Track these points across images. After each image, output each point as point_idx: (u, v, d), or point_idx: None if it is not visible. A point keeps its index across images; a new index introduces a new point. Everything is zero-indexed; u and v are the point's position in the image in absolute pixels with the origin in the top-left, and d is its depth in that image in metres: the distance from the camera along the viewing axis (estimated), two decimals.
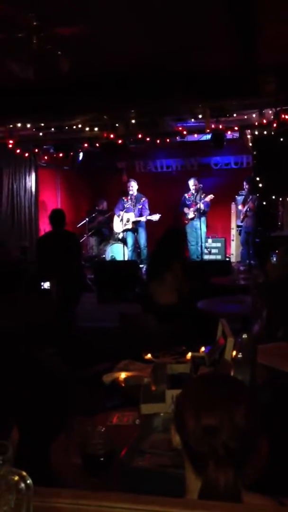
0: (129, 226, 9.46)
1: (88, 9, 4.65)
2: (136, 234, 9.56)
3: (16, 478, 0.78)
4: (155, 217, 9.34)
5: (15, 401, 2.12)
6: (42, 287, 4.78)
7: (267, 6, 4.64)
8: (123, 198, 9.54)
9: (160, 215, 9.36)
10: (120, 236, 9.65)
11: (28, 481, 0.78)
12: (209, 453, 1.14)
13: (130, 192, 9.50)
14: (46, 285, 4.84)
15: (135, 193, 9.55)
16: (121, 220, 9.52)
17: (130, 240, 9.56)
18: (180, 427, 1.23)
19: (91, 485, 1.61)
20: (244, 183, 9.39)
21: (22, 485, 0.78)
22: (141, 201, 9.47)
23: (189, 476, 1.24)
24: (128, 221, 9.45)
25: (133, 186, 9.55)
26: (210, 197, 9.30)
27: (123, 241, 9.54)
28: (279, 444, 1.92)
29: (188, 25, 5.12)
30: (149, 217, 9.36)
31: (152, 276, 4.76)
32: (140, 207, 9.43)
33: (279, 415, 2.34)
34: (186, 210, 9.52)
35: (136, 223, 9.44)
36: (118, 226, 9.67)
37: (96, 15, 4.76)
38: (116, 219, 9.72)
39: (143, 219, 9.37)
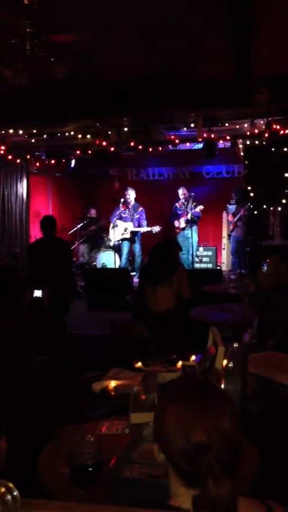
0: (127, 235, 9.41)
1: (82, 18, 4.67)
2: (132, 243, 9.53)
3: (3, 489, 0.76)
4: (156, 228, 9.24)
5: (3, 409, 2.09)
6: (34, 295, 4.75)
7: (261, 20, 4.69)
8: (120, 206, 9.50)
9: (161, 227, 9.28)
10: (112, 244, 9.62)
11: (15, 493, 0.76)
12: (207, 472, 1.12)
13: (128, 201, 9.48)
14: (38, 293, 4.81)
15: (133, 202, 9.52)
16: (114, 227, 9.48)
17: (125, 249, 9.53)
18: (166, 447, 1.19)
19: (79, 496, 1.58)
20: (233, 195, 9.44)
21: (9, 496, 0.76)
22: (138, 210, 9.45)
23: (174, 486, 1.21)
24: (125, 230, 9.41)
25: (131, 195, 9.52)
26: (200, 208, 9.32)
27: (117, 249, 9.50)
28: (268, 453, 1.91)
29: (182, 37, 5.15)
30: (148, 228, 9.28)
31: (152, 282, 4.73)
32: (137, 216, 9.41)
33: (269, 424, 2.33)
34: (176, 220, 9.54)
35: (134, 233, 9.40)
36: (113, 234, 9.59)
37: (91, 24, 4.78)
38: (112, 228, 9.68)
39: (142, 229, 9.32)
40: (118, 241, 9.53)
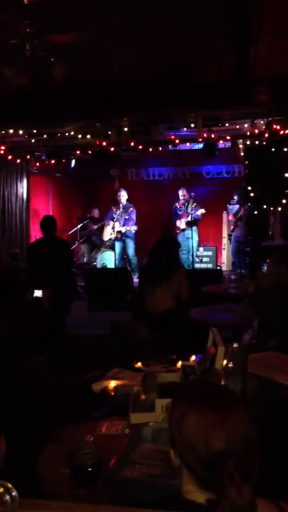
0: (114, 235, 9.46)
1: (82, 18, 4.66)
2: (123, 243, 9.54)
3: (1, 490, 0.76)
4: (133, 228, 9.36)
5: (2, 410, 2.09)
6: (35, 295, 4.74)
7: (260, 20, 4.69)
8: (112, 207, 9.54)
9: (137, 226, 9.39)
10: (106, 244, 9.66)
11: (13, 493, 0.76)
12: (227, 481, 1.11)
13: (120, 202, 9.52)
14: (39, 293, 4.80)
15: (124, 202, 9.56)
16: (111, 228, 9.52)
17: (117, 249, 9.56)
18: (185, 454, 1.19)
19: (79, 496, 1.58)
20: (234, 194, 9.43)
21: (7, 497, 0.76)
22: (129, 211, 9.47)
23: (187, 485, 1.21)
24: (113, 230, 9.46)
25: (123, 196, 9.55)
26: (201, 211, 9.32)
27: (113, 249, 9.54)
28: (268, 453, 1.91)
29: (183, 38, 5.15)
30: (128, 228, 9.36)
31: (152, 283, 4.72)
32: (126, 217, 9.43)
33: (269, 425, 2.33)
34: (177, 220, 9.54)
35: (121, 233, 9.43)
36: (107, 235, 9.70)
37: (91, 25, 4.78)
38: (106, 228, 9.74)
39: (123, 229, 9.38)
40: (109, 240, 9.55)
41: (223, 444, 1.13)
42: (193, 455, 1.16)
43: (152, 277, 4.76)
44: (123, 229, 9.39)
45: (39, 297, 4.72)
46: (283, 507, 1.20)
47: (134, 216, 9.48)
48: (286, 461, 2.18)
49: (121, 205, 9.49)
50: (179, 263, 5.28)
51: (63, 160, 9.27)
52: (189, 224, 9.34)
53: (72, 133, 8.07)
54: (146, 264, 5.38)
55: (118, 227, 9.42)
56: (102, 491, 1.60)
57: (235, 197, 9.42)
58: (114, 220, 9.45)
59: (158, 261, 4.86)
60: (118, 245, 9.54)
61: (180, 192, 9.62)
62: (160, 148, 8.81)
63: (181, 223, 9.48)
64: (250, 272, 7.24)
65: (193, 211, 9.31)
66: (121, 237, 9.44)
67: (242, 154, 8.37)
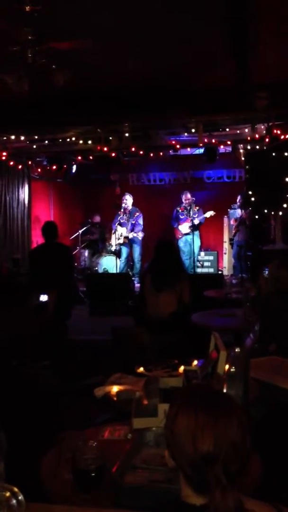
0: (121, 241, 9.46)
1: (83, 25, 4.70)
2: (130, 248, 9.55)
3: (8, 494, 0.77)
4: (140, 234, 9.35)
5: (5, 415, 2.10)
6: (41, 300, 4.74)
7: (259, 26, 4.72)
8: (119, 212, 9.53)
9: (143, 233, 9.37)
10: (113, 249, 9.65)
11: (20, 497, 0.77)
12: (214, 483, 1.13)
13: (124, 206, 9.50)
14: (44, 297, 4.80)
15: (130, 207, 9.54)
16: (114, 233, 9.52)
17: (124, 253, 9.56)
18: (176, 454, 1.21)
19: (82, 501, 1.59)
20: (239, 198, 9.43)
21: (14, 501, 0.77)
22: (135, 216, 9.46)
23: (185, 489, 1.22)
24: (121, 235, 9.45)
25: (128, 200, 9.54)
26: (210, 213, 9.29)
27: (117, 254, 9.53)
28: (270, 458, 1.91)
29: (183, 43, 5.18)
30: (134, 234, 9.35)
31: (156, 287, 4.72)
32: (133, 222, 9.42)
33: (271, 429, 2.33)
34: (179, 225, 9.53)
35: (128, 238, 9.43)
36: (113, 240, 9.68)
37: (91, 31, 4.81)
38: (113, 233, 9.74)
39: (130, 235, 9.37)
40: (117, 245, 9.56)
41: (211, 447, 1.14)
42: (182, 455, 1.18)
43: (158, 282, 4.75)
44: (130, 235, 9.38)
45: (45, 301, 4.73)
46: (282, 510, 1.21)
47: (141, 221, 9.46)
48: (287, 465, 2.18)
49: (126, 210, 9.49)
50: (184, 268, 5.27)
51: (64, 166, 9.29)
52: (192, 229, 9.33)
53: (73, 138, 8.10)
54: (150, 269, 5.35)
55: (125, 232, 9.42)
56: (105, 496, 1.61)
57: (239, 200, 9.40)
58: (121, 225, 9.45)
59: (163, 266, 4.84)
60: (124, 250, 9.54)
61: (184, 196, 9.59)
62: (161, 153, 8.84)
63: (183, 228, 9.47)
64: (252, 276, 7.24)
65: (196, 215, 9.31)
66: (128, 242, 9.44)
67: (243, 158, 8.39)
